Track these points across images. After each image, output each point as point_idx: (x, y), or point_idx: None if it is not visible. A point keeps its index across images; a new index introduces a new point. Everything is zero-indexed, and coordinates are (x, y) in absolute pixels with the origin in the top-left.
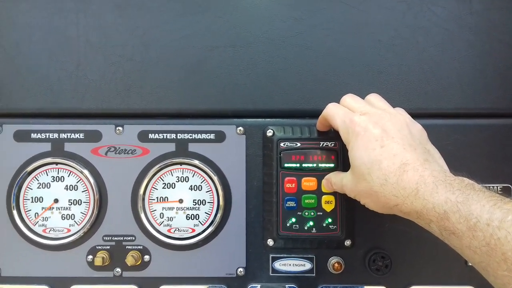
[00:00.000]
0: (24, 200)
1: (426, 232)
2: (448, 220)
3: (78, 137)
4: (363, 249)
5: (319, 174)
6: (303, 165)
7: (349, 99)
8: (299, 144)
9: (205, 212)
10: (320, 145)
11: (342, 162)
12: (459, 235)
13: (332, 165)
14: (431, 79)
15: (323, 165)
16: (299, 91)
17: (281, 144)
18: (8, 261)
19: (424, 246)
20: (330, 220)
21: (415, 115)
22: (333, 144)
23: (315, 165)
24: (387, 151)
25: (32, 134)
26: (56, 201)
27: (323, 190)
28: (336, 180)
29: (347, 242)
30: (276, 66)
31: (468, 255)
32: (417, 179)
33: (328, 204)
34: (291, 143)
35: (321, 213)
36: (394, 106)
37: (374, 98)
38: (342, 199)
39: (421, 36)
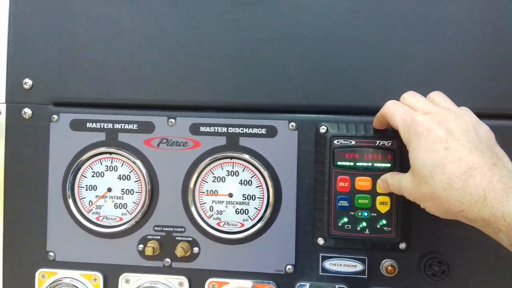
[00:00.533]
0: (79, 188)
1: (488, 238)
2: None
3: (132, 127)
4: (418, 252)
5: (374, 174)
6: (357, 164)
7: (410, 97)
8: (353, 142)
9: (255, 208)
10: (376, 144)
11: (400, 162)
12: None
13: (388, 165)
14: (499, 78)
15: (378, 164)
16: (355, 87)
17: (335, 142)
18: (63, 246)
19: (486, 253)
20: (384, 221)
21: (481, 116)
22: (390, 143)
23: (370, 164)
24: (452, 153)
25: (87, 124)
26: (109, 190)
27: (378, 190)
28: (394, 181)
29: (402, 245)
30: (331, 60)
31: None
32: (485, 185)
33: (383, 205)
34: (345, 140)
35: (375, 214)
36: (458, 106)
37: (438, 96)
38: (398, 200)
39: (489, 32)
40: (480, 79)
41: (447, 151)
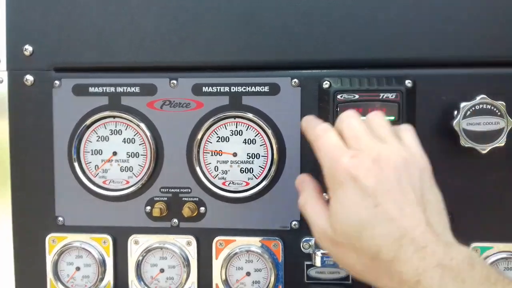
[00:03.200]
0: (85, 153)
1: (489, 187)
2: None
3: (134, 90)
4: None
5: None
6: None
7: (346, 124)
8: (357, 96)
9: (259, 166)
10: (380, 97)
11: (404, 115)
12: None
13: (392, 117)
14: (505, 24)
15: None
16: (358, 40)
17: (338, 96)
18: (71, 211)
19: (487, 201)
20: None
21: (487, 63)
22: (394, 96)
23: None
24: (381, 212)
25: (90, 88)
26: (114, 153)
27: None
28: (308, 211)
29: None
30: (333, 14)
31: None
32: (418, 266)
33: None
34: (348, 95)
35: None
36: (467, 55)
37: (376, 122)
38: None
39: None
40: (488, 27)
41: (376, 208)
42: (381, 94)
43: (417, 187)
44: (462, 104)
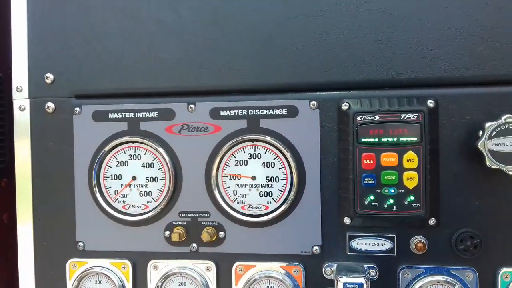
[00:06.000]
0: (104, 178)
1: None
2: None
3: (153, 115)
4: (449, 228)
5: (400, 149)
6: (382, 139)
7: None
8: (377, 117)
9: (279, 189)
10: (401, 118)
11: (427, 136)
12: None
13: (414, 139)
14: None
15: (404, 139)
16: (377, 60)
17: (358, 118)
18: (91, 236)
19: None
20: (412, 197)
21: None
22: (416, 116)
23: (395, 139)
24: None
25: (109, 114)
26: (134, 178)
27: (405, 166)
28: None
29: (432, 221)
30: (350, 35)
31: None
32: None
33: (410, 181)
34: (368, 116)
35: (402, 191)
36: (491, 73)
37: None
38: (426, 175)
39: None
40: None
41: None
42: (402, 115)
43: None
44: (487, 124)
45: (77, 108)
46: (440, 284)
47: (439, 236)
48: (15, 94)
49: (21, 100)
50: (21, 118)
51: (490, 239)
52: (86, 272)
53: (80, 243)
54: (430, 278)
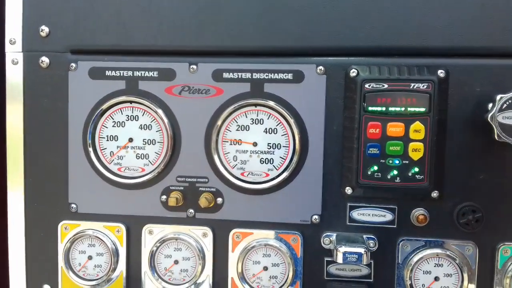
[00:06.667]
0: (100, 139)
1: None
2: None
3: (152, 75)
4: (451, 201)
5: (407, 119)
6: (390, 108)
7: None
8: (386, 86)
9: (280, 157)
10: (411, 87)
11: (436, 106)
12: None
13: (423, 109)
14: None
15: (412, 109)
16: (388, 26)
17: (366, 85)
18: (85, 198)
19: None
20: (417, 169)
21: None
22: (425, 86)
23: (403, 109)
24: None
25: (106, 72)
26: (130, 140)
27: (411, 137)
28: None
29: (434, 194)
30: None
31: None
32: None
33: (415, 152)
34: (377, 84)
35: (407, 162)
36: (504, 44)
37: None
38: (432, 146)
39: None
40: None
41: None
42: (412, 84)
43: None
44: (498, 97)
45: (73, 64)
46: (439, 257)
47: (441, 209)
48: (8, 47)
49: (14, 53)
50: (14, 72)
51: (492, 213)
52: (78, 234)
53: (73, 205)
54: (429, 251)
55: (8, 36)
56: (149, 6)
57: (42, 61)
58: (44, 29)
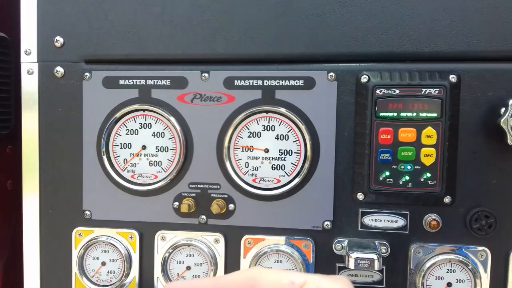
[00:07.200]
0: (113, 146)
1: None
2: None
3: (165, 83)
4: (464, 207)
5: (419, 124)
6: (401, 114)
7: None
8: (397, 91)
9: (292, 163)
10: (422, 92)
11: (447, 111)
12: None
13: (434, 114)
14: None
15: (424, 114)
16: (399, 32)
17: (377, 91)
18: (98, 205)
19: None
20: (429, 174)
21: None
22: (437, 91)
23: (414, 114)
24: None
25: (120, 81)
26: (144, 147)
27: (423, 142)
28: None
29: (447, 199)
30: (373, 4)
31: None
32: None
33: (428, 157)
34: (388, 90)
35: (419, 167)
36: (509, 48)
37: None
38: (444, 152)
39: None
40: None
41: None
42: (423, 89)
43: None
44: (511, 101)
45: (87, 74)
46: (452, 263)
47: (453, 214)
48: (23, 57)
49: (29, 64)
50: (29, 83)
51: (505, 218)
52: (92, 241)
53: (87, 212)
54: (442, 257)
55: (23, 47)
56: (162, 16)
57: (57, 71)
58: (59, 40)
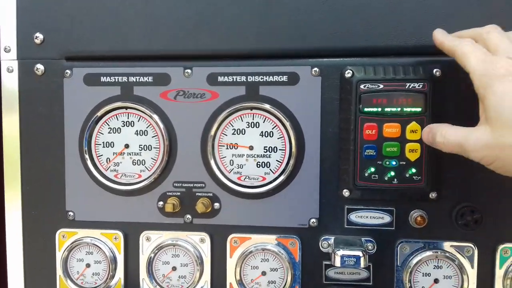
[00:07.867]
0: (96, 145)
1: None
2: None
3: (147, 80)
4: (450, 202)
5: (404, 119)
6: (386, 109)
7: (494, 36)
8: (381, 86)
9: (277, 160)
10: (406, 87)
11: (431, 106)
12: None
13: (419, 109)
14: None
15: (408, 109)
16: (383, 26)
17: (361, 86)
18: (82, 206)
19: None
20: (414, 170)
21: None
22: (421, 86)
23: (399, 109)
24: None
25: (101, 78)
26: (127, 146)
27: (408, 137)
28: (452, 135)
29: (432, 195)
30: None
31: None
32: None
33: (412, 152)
34: (372, 84)
35: (404, 163)
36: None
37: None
38: (429, 147)
39: None
40: None
41: None
42: (407, 84)
43: None
44: None
45: (68, 71)
46: (438, 259)
47: (439, 210)
48: (3, 55)
49: (9, 61)
50: (9, 80)
51: (491, 214)
52: (76, 242)
53: (70, 213)
54: (428, 253)
55: (2, 44)
56: (143, 11)
57: (37, 69)
58: (39, 36)
